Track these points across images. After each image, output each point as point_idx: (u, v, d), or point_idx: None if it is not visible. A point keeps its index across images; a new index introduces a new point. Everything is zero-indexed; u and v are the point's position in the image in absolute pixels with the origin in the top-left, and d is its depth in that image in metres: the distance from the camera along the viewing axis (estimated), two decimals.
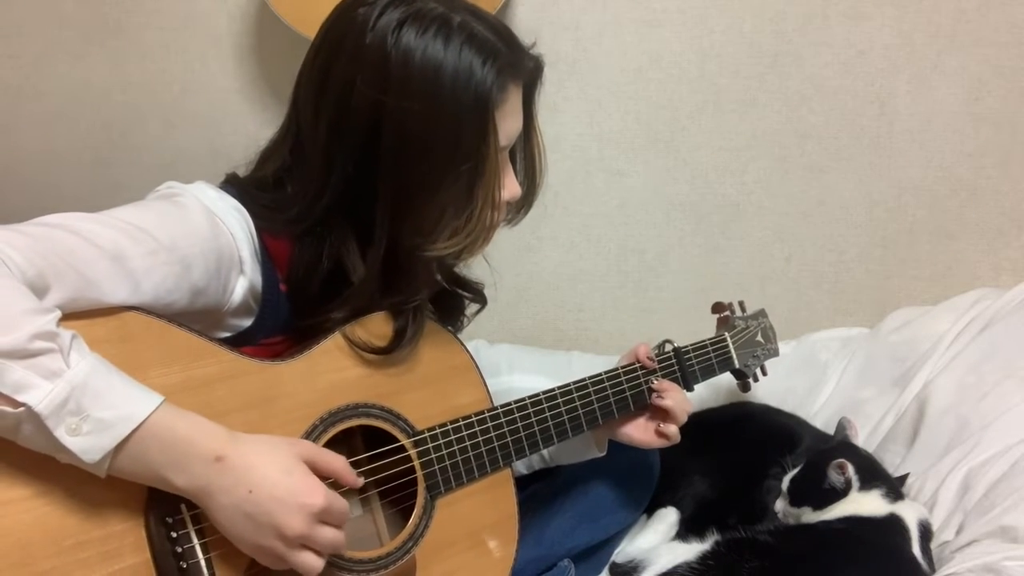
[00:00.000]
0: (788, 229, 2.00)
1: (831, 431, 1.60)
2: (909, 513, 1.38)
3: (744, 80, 1.91)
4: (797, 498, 1.46)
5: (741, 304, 1.61)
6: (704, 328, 1.60)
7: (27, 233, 0.87)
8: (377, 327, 1.15)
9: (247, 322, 1.10)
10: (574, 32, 1.93)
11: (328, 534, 0.94)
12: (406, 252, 1.11)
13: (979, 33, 1.79)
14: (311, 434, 1.06)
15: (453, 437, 1.18)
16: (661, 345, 1.44)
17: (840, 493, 1.40)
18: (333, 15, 1.09)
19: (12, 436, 0.83)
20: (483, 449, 1.21)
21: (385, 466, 1.13)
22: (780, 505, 1.49)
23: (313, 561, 0.94)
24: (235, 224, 1.06)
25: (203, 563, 0.95)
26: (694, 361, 1.46)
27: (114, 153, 2.19)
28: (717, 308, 1.61)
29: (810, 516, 1.43)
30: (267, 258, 1.09)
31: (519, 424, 1.24)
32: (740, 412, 1.77)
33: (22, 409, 0.80)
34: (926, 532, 1.37)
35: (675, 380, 1.41)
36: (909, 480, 1.50)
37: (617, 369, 1.37)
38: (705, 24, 1.88)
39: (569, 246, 2.10)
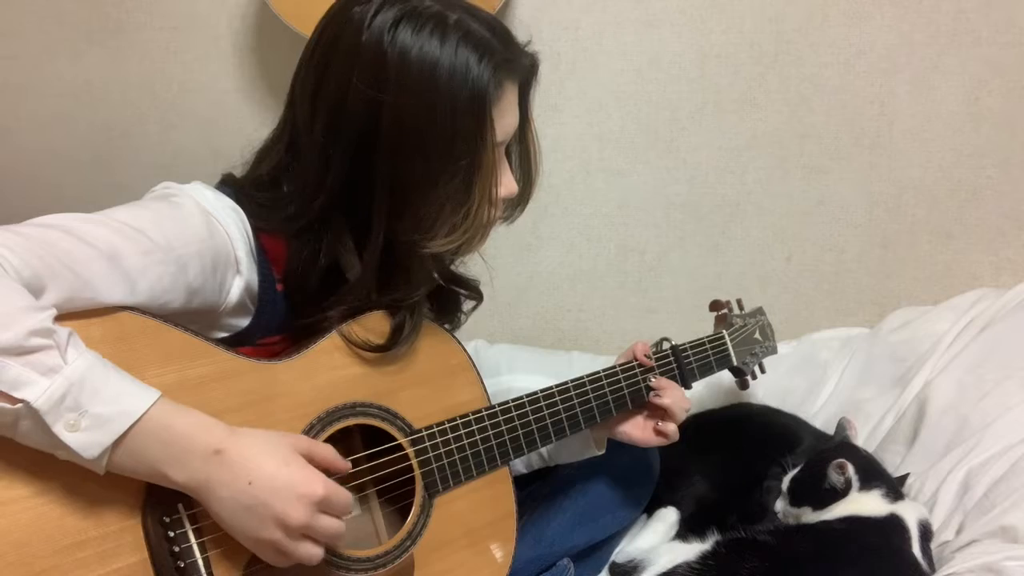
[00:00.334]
0: (788, 229, 2.00)
1: (831, 431, 1.60)
2: (909, 513, 1.37)
3: (744, 80, 1.91)
4: (797, 498, 1.46)
5: (739, 302, 1.61)
6: (704, 328, 1.60)
7: (23, 234, 0.87)
8: (375, 325, 1.15)
9: (244, 322, 1.10)
10: (574, 32, 1.93)
11: (329, 523, 0.94)
12: (403, 249, 1.11)
13: (979, 33, 1.79)
14: (308, 433, 1.06)
15: (451, 436, 1.18)
16: (659, 343, 1.44)
17: (840, 493, 1.40)
18: (329, 14, 1.09)
19: (10, 433, 0.83)
20: (481, 448, 1.21)
21: (383, 465, 1.13)
22: (780, 505, 1.48)
23: (314, 551, 0.94)
24: (231, 224, 1.06)
25: (200, 562, 0.95)
26: (692, 359, 1.46)
27: (114, 153, 2.20)
28: (715, 306, 1.61)
29: (810, 516, 1.43)
30: (263, 257, 1.09)
31: (517, 423, 1.24)
32: (740, 413, 1.77)
33: (20, 405, 0.80)
34: (926, 532, 1.37)
35: (673, 378, 1.41)
36: (909, 480, 1.50)
37: (615, 367, 1.37)
38: (705, 24, 1.89)
39: (569, 246, 2.10)
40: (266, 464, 0.91)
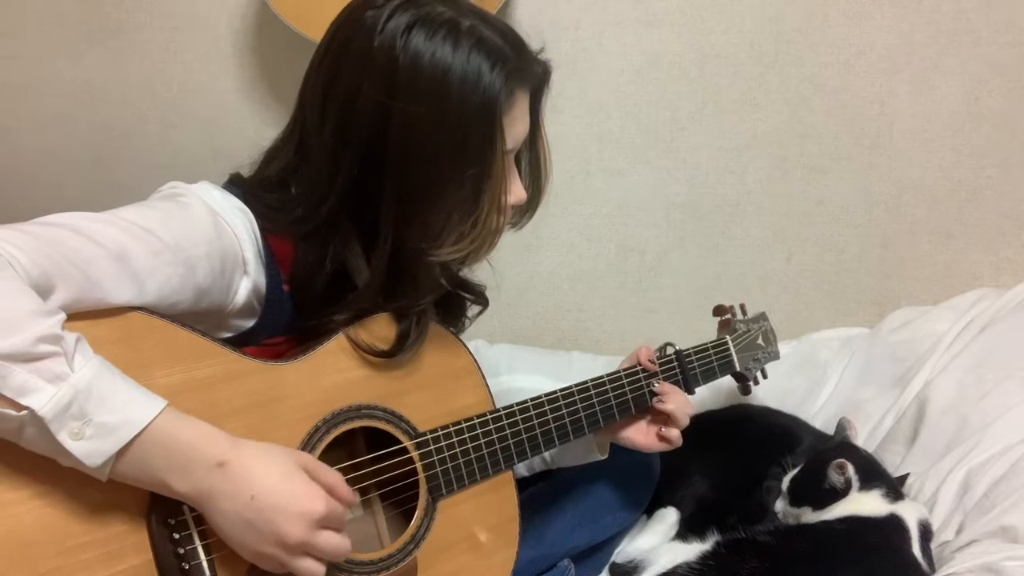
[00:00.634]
0: (788, 229, 2.00)
1: (831, 431, 1.60)
2: (909, 513, 1.38)
3: (744, 80, 1.91)
4: (797, 498, 1.46)
5: (742, 307, 1.61)
6: (704, 328, 1.60)
7: (31, 233, 0.87)
8: (380, 330, 1.14)
9: (250, 322, 1.10)
10: (574, 32, 1.93)
11: (328, 539, 0.94)
12: (411, 256, 1.11)
13: (979, 33, 1.79)
14: (313, 435, 1.06)
15: (455, 439, 1.18)
16: (663, 348, 1.44)
17: (840, 493, 1.41)
18: (341, 17, 1.08)
19: (15, 439, 0.83)
20: (485, 451, 1.21)
21: (387, 468, 1.13)
22: (780, 505, 1.49)
23: (314, 567, 0.93)
24: (239, 224, 1.05)
25: (205, 564, 0.95)
26: (695, 364, 1.46)
27: (114, 153, 2.19)
28: (718, 311, 1.60)
29: (810, 516, 1.43)
30: (271, 259, 1.09)
31: (520, 426, 1.24)
32: (740, 413, 1.77)
33: (25, 412, 0.80)
34: (926, 532, 1.37)
35: (676, 383, 1.41)
36: (909, 480, 1.50)
37: (619, 372, 1.37)
38: (705, 24, 1.89)
39: (569, 246, 2.10)
40: (269, 479, 0.91)
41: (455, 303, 1.33)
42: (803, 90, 1.89)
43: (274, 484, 0.91)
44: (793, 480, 1.48)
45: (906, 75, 1.85)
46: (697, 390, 1.47)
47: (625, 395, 1.36)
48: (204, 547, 0.95)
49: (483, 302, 1.36)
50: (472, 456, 1.19)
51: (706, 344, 1.50)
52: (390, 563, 1.11)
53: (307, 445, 1.06)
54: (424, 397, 1.17)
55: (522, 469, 1.47)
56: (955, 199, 1.90)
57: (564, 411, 1.29)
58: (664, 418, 1.37)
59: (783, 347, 1.69)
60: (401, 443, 1.14)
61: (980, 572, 1.23)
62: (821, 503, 1.42)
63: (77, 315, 0.89)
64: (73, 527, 0.88)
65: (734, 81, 1.91)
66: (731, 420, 1.75)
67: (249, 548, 0.92)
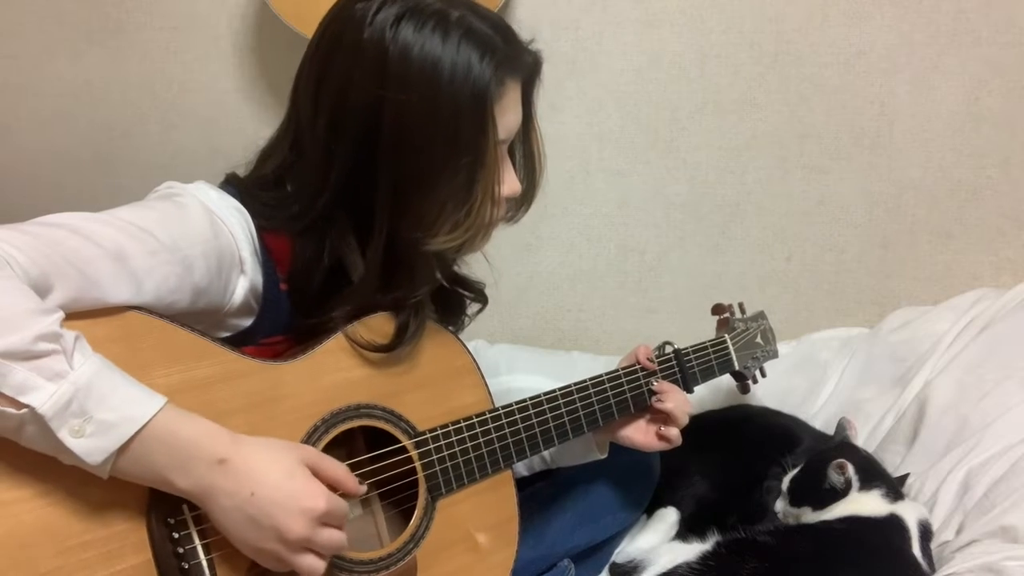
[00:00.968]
0: (788, 229, 2.00)
1: (831, 431, 1.60)
2: (909, 513, 1.38)
3: (744, 80, 1.91)
4: (797, 498, 1.46)
5: (741, 306, 1.61)
6: (704, 328, 1.60)
7: (30, 233, 0.87)
8: (379, 325, 1.14)
9: (247, 322, 1.10)
10: (574, 32, 1.94)
11: (330, 535, 0.94)
12: (406, 246, 1.11)
13: (979, 33, 1.79)
14: (313, 435, 1.06)
15: (455, 438, 1.18)
16: (661, 347, 1.44)
17: (840, 493, 1.40)
18: (331, 11, 1.09)
19: (15, 437, 0.83)
20: (484, 450, 1.21)
21: (386, 467, 1.13)
22: (780, 505, 1.49)
23: (315, 564, 0.94)
24: (235, 224, 1.06)
25: (204, 564, 0.95)
26: (694, 363, 1.46)
27: (114, 153, 2.20)
28: (717, 310, 1.61)
29: (810, 516, 1.43)
30: (267, 257, 1.09)
31: (520, 425, 1.24)
32: (740, 413, 1.77)
33: (25, 411, 0.80)
34: (926, 532, 1.37)
35: (675, 382, 1.41)
36: (909, 480, 1.50)
37: (618, 371, 1.37)
38: (705, 24, 1.89)
39: (569, 246, 2.10)
40: (270, 475, 0.91)
41: (454, 301, 1.33)
42: (803, 90, 1.89)
43: (275, 481, 0.91)
44: (793, 480, 1.48)
45: (906, 75, 1.85)
46: (697, 390, 1.47)
47: (624, 394, 1.36)
48: (204, 546, 0.95)
49: (482, 300, 1.36)
50: (471, 455, 1.19)
51: (705, 343, 1.50)
52: (390, 562, 1.11)
53: (306, 444, 1.05)
54: (423, 396, 1.17)
55: (522, 469, 1.47)
56: (955, 199, 1.90)
57: (563, 410, 1.29)
58: (663, 417, 1.37)
59: (783, 347, 1.69)
60: (400, 442, 1.14)
61: (980, 572, 1.23)
62: (821, 503, 1.42)
63: (75, 315, 0.89)
64: (73, 527, 0.88)
65: (734, 81, 1.91)
66: (731, 420, 1.75)
67: (250, 544, 0.92)
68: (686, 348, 1.46)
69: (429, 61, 1.02)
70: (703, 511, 1.60)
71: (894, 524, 1.36)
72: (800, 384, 1.85)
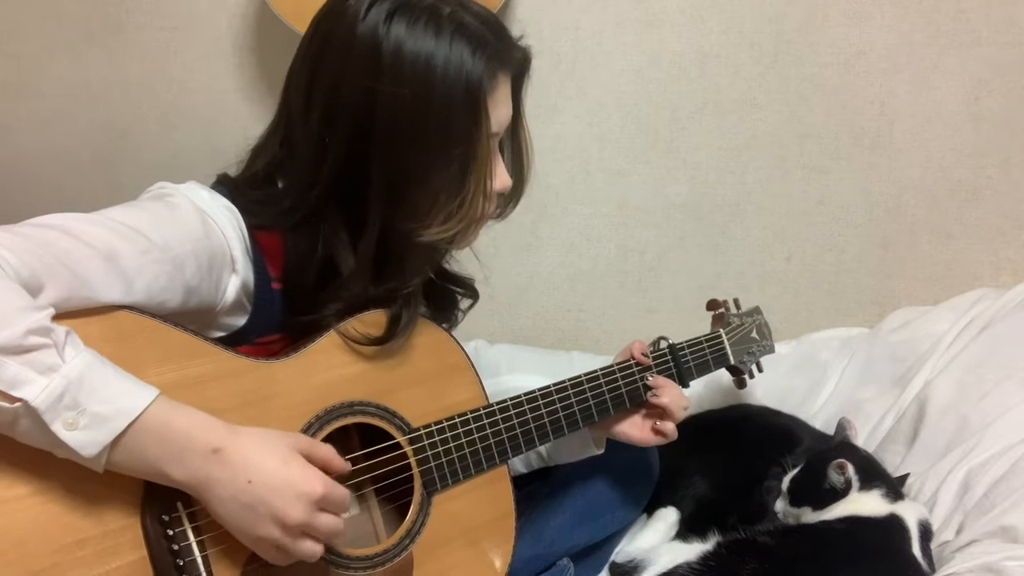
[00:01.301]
0: (788, 229, 1.99)
1: (831, 431, 1.60)
2: (909, 513, 1.37)
3: (744, 80, 1.91)
4: (797, 498, 1.46)
5: (736, 301, 1.61)
6: (704, 328, 1.60)
7: (21, 233, 0.88)
8: (372, 319, 1.15)
9: (240, 321, 1.10)
10: (574, 32, 1.94)
11: (327, 521, 0.94)
12: (399, 238, 1.12)
13: (979, 33, 1.79)
14: (306, 432, 1.06)
15: (449, 434, 1.18)
16: (656, 342, 1.44)
17: (840, 493, 1.40)
18: (323, 9, 1.10)
19: (9, 432, 0.83)
20: (479, 446, 1.21)
21: (381, 464, 1.13)
22: (780, 505, 1.48)
23: (314, 548, 0.94)
24: (226, 223, 1.06)
25: (199, 560, 0.95)
26: (689, 357, 1.46)
27: (114, 153, 2.20)
28: (712, 305, 1.61)
29: (810, 516, 1.43)
30: (259, 256, 1.10)
31: (515, 421, 1.25)
32: (739, 413, 1.77)
33: (19, 404, 0.81)
34: (926, 532, 1.37)
35: (671, 377, 1.42)
36: (909, 480, 1.50)
37: (612, 366, 1.37)
38: (705, 24, 1.89)
39: (569, 246, 2.10)
40: (265, 463, 0.92)
41: (446, 297, 1.34)
42: (803, 90, 1.89)
43: (271, 468, 0.92)
44: (793, 480, 1.48)
45: (906, 75, 1.85)
46: (696, 389, 1.47)
47: (618, 388, 1.36)
48: (198, 543, 0.95)
49: (473, 294, 1.37)
50: (466, 451, 1.19)
51: (700, 338, 1.50)
52: (386, 558, 1.11)
53: None
54: (417, 393, 1.18)
55: (520, 466, 1.46)
56: (955, 199, 1.90)
57: (558, 406, 1.29)
58: (659, 412, 1.37)
59: (783, 347, 1.69)
60: (395, 439, 1.14)
61: (980, 572, 1.22)
62: (821, 503, 1.42)
63: (67, 315, 0.89)
64: (68, 524, 0.88)
65: (734, 81, 1.91)
66: (731, 420, 1.75)
67: (248, 533, 0.92)
68: (681, 343, 1.46)
69: (422, 56, 1.03)
70: (703, 511, 1.60)
71: (894, 524, 1.36)
72: (800, 384, 1.85)
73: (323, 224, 1.11)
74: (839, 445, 1.52)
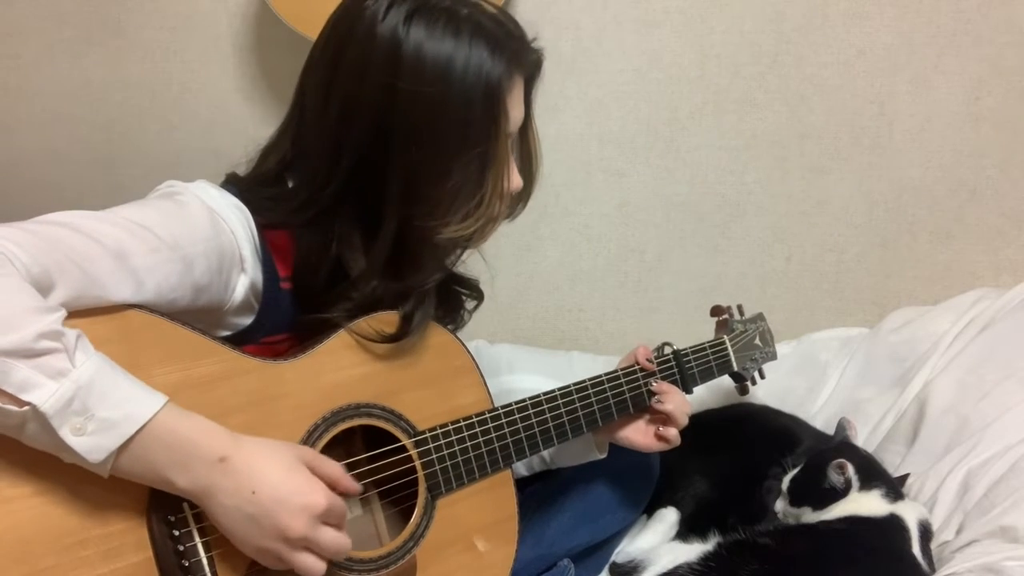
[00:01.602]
0: (788, 229, 2.00)
1: (831, 431, 1.60)
2: (909, 513, 1.38)
3: (744, 80, 1.91)
4: (797, 498, 1.46)
5: (739, 308, 1.61)
6: (704, 329, 1.60)
7: (31, 231, 0.88)
8: (385, 318, 1.15)
9: (248, 320, 1.10)
10: (574, 32, 1.94)
11: (330, 535, 0.94)
12: (417, 236, 1.12)
13: (979, 33, 1.79)
14: (312, 434, 1.06)
15: (454, 438, 1.18)
16: (660, 348, 1.44)
17: (840, 493, 1.40)
18: (339, 10, 1.11)
19: (17, 435, 0.83)
20: (484, 450, 1.21)
21: (386, 466, 1.13)
22: (780, 505, 1.49)
23: (315, 563, 0.94)
24: (236, 222, 1.06)
25: (205, 562, 0.95)
26: (693, 364, 1.46)
27: (114, 153, 2.19)
28: (716, 311, 1.61)
29: (810, 516, 1.43)
30: (268, 256, 1.09)
31: (519, 425, 1.25)
32: (740, 413, 1.77)
33: (27, 408, 0.80)
34: (926, 532, 1.37)
35: (674, 382, 1.42)
36: (909, 480, 1.50)
37: (617, 371, 1.37)
38: (705, 24, 1.89)
39: (569, 246, 2.10)
40: (270, 474, 0.92)
41: (452, 298, 1.34)
42: (803, 90, 1.89)
43: (276, 479, 0.92)
44: (793, 480, 1.48)
45: (906, 75, 1.85)
46: (696, 390, 1.47)
47: (623, 394, 1.36)
48: (204, 544, 0.95)
49: (478, 295, 1.38)
50: (471, 455, 1.19)
51: (703, 344, 1.50)
52: (389, 561, 1.11)
53: (306, 443, 1.05)
54: (423, 396, 1.18)
55: (522, 469, 1.47)
56: (955, 199, 1.90)
57: (562, 410, 1.29)
58: (662, 418, 1.37)
59: (783, 347, 1.69)
60: (400, 441, 1.14)
61: (980, 572, 1.23)
62: (821, 503, 1.42)
63: (76, 313, 0.89)
64: (73, 524, 0.88)
65: (734, 81, 1.91)
66: (731, 420, 1.75)
67: (250, 543, 0.92)
68: (685, 349, 1.46)
69: (443, 57, 1.04)
70: (703, 511, 1.60)
71: (894, 524, 1.36)
72: (800, 384, 1.85)
73: (336, 222, 1.11)
74: (839, 445, 1.52)
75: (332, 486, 0.97)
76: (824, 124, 1.91)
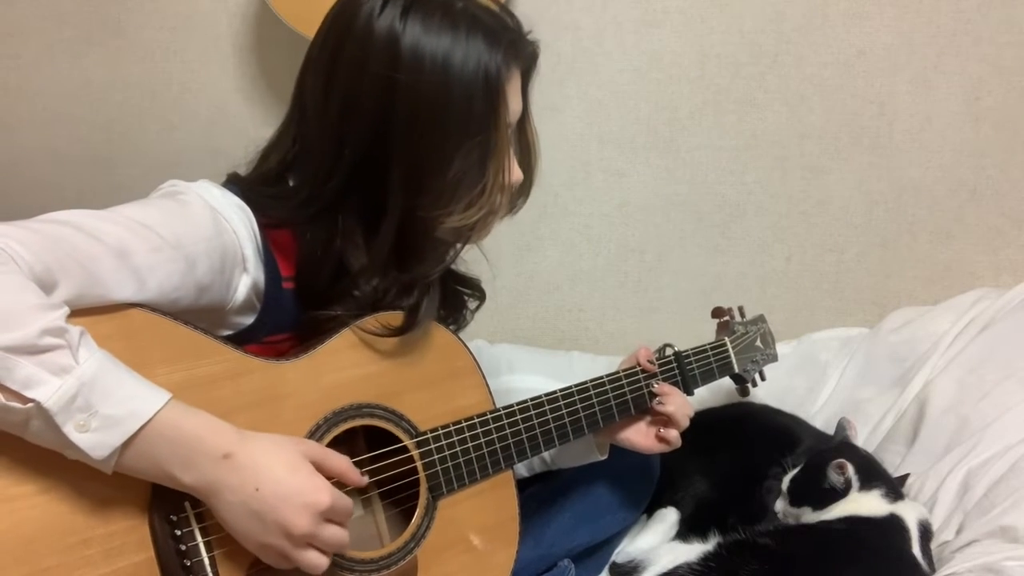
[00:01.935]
0: (788, 229, 2.00)
1: (831, 431, 1.60)
2: (909, 513, 1.38)
3: (744, 80, 1.91)
4: (797, 498, 1.46)
5: (740, 309, 1.61)
6: (704, 329, 1.60)
7: (34, 229, 0.88)
8: (388, 316, 1.15)
9: (249, 320, 1.10)
10: (574, 32, 1.94)
11: (333, 532, 0.94)
12: (421, 227, 1.13)
13: (979, 33, 1.79)
14: (314, 434, 1.06)
15: (456, 438, 1.18)
16: (662, 349, 1.44)
17: (840, 493, 1.41)
18: (336, 7, 1.11)
19: (20, 432, 0.83)
20: (485, 451, 1.21)
21: (387, 467, 1.13)
22: (780, 505, 1.49)
23: (318, 560, 0.94)
24: (238, 222, 1.06)
25: (206, 561, 0.95)
26: (694, 365, 1.46)
27: (114, 153, 2.19)
28: (717, 313, 1.61)
29: (810, 516, 1.43)
30: (270, 255, 1.09)
31: (521, 426, 1.24)
32: (740, 412, 1.77)
33: (31, 405, 0.80)
34: (926, 532, 1.37)
35: (675, 384, 1.42)
36: (909, 480, 1.50)
37: (618, 372, 1.37)
38: (705, 24, 1.89)
39: (569, 246, 2.10)
40: (274, 470, 0.91)
41: (454, 298, 1.34)
42: (803, 90, 1.90)
43: (280, 476, 0.91)
44: (793, 480, 1.48)
45: (906, 75, 1.85)
46: (697, 390, 1.47)
47: (624, 396, 1.36)
48: (206, 543, 0.95)
49: (480, 295, 1.38)
50: (472, 455, 1.19)
51: (705, 345, 1.50)
52: (391, 562, 1.11)
53: None
54: (425, 396, 1.18)
55: (522, 469, 1.47)
56: (955, 199, 1.90)
57: (564, 411, 1.29)
58: (663, 419, 1.38)
59: (783, 347, 1.69)
60: (402, 442, 1.14)
61: (980, 572, 1.23)
62: (821, 503, 1.42)
63: (78, 312, 0.89)
64: (75, 523, 0.88)
65: (734, 81, 1.92)
66: (731, 419, 1.75)
67: (253, 540, 0.92)
68: (686, 350, 1.46)
69: (441, 49, 1.05)
70: (703, 511, 1.61)
71: (894, 524, 1.36)
72: (800, 384, 1.85)
73: (338, 217, 1.12)
74: (839, 445, 1.52)
75: (339, 479, 0.97)
76: (824, 124, 1.91)
